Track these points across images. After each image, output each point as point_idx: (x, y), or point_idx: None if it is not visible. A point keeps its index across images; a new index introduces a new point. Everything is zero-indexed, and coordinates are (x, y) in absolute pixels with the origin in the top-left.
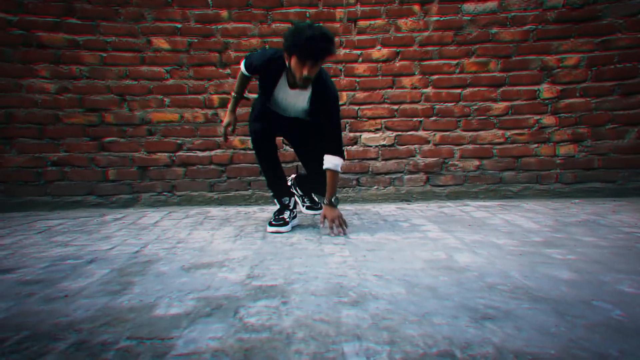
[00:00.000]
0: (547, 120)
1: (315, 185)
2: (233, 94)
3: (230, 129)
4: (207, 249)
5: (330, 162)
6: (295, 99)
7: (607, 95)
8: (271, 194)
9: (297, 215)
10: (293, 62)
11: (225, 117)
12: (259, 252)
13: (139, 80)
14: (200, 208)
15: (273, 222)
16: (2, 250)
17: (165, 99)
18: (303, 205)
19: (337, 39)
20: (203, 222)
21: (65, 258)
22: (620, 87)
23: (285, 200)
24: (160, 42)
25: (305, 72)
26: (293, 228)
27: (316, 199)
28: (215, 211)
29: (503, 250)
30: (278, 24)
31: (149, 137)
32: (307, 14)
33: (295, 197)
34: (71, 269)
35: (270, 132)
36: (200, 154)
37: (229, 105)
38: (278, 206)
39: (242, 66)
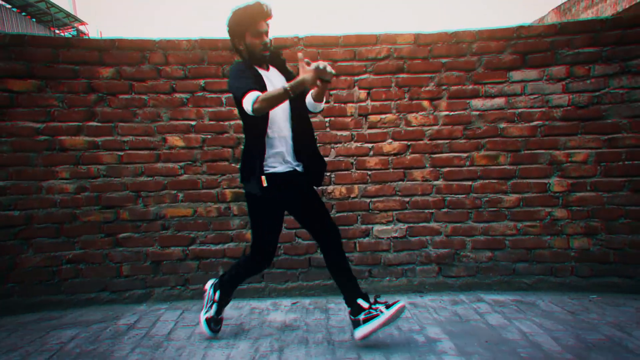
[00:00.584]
0: (559, 213)
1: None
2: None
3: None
4: None
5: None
6: (276, 82)
7: (618, 191)
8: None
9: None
10: (248, 38)
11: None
12: None
13: (154, 177)
14: None
15: None
16: None
17: (179, 194)
18: (206, 314)
19: (347, 133)
20: (219, 332)
21: None
22: (630, 183)
23: None
24: (175, 140)
25: (264, 38)
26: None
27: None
28: (228, 309)
29: None
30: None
31: (162, 231)
32: None
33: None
34: None
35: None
36: (213, 247)
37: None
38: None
39: (248, 104)
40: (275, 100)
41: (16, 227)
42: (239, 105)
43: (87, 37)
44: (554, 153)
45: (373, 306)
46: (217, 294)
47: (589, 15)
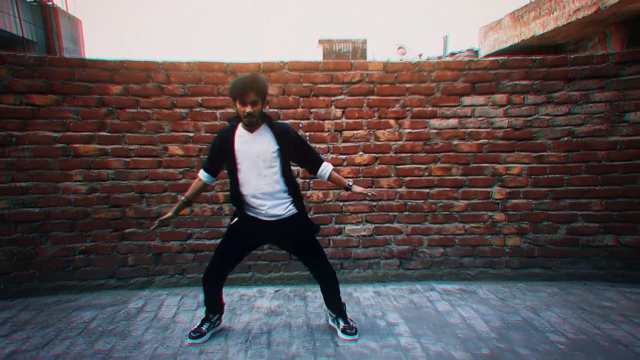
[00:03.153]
0: (498, 216)
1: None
2: (183, 198)
3: (164, 224)
4: None
5: (327, 167)
6: (259, 143)
7: (543, 199)
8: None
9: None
10: (236, 105)
11: (168, 213)
12: None
13: (156, 180)
14: None
15: (192, 335)
16: None
17: (178, 196)
18: None
19: (324, 146)
20: None
21: None
22: (552, 193)
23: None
24: (175, 149)
25: (246, 108)
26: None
27: None
28: None
29: None
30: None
31: (163, 228)
32: (300, 125)
33: None
34: None
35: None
36: (207, 242)
37: (175, 207)
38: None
39: (200, 172)
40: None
41: (36, 222)
42: None
43: (99, 59)
44: (496, 166)
45: None
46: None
47: (537, 24)
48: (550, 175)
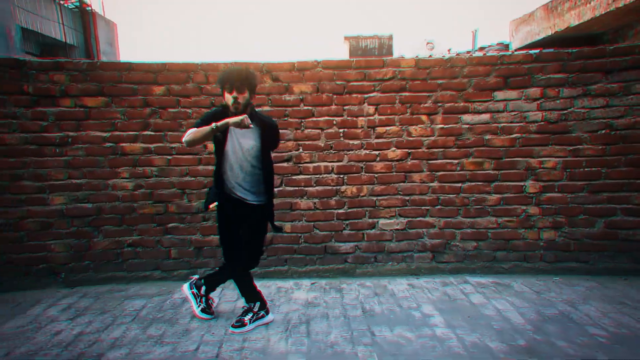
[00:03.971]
0: (532, 210)
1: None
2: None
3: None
4: (268, 351)
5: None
6: (244, 137)
7: (579, 192)
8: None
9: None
10: (224, 94)
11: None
12: (309, 359)
13: (196, 177)
14: None
15: (234, 324)
16: (119, 348)
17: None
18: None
19: (358, 142)
20: None
21: None
22: (589, 186)
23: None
24: (213, 147)
25: (232, 94)
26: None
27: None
28: (259, 287)
29: (495, 358)
30: (310, 130)
31: (203, 222)
32: (334, 122)
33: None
34: None
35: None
36: None
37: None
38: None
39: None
40: (201, 134)
41: (89, 217)
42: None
43: (144, 62)
44: (529, 160)
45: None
46: (203, 288)
47: (572, 15)
48: (586, 169)
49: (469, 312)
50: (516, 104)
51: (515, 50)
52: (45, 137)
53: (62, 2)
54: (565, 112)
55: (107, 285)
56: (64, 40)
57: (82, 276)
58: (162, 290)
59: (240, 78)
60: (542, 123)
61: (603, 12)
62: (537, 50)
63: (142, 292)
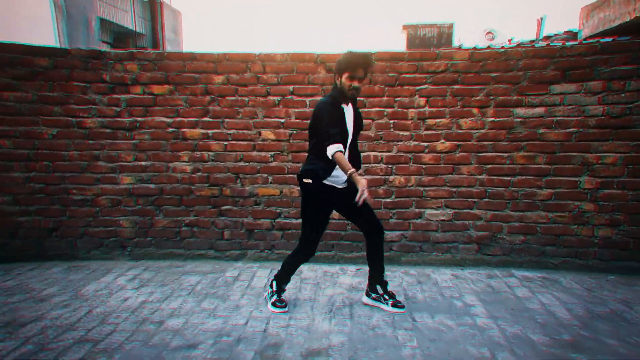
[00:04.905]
0: (587, 206)
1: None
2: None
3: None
4: (312, 329)
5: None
6: (349, 117)
7: None
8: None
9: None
10: (344, 78)
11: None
12: (351, 339)
13: (250, 162)
14: None
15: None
16: (177, 317)
17: (269, 178)
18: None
19: (407, 133)
20: (301, 288)
21: (221, 334)
22: None
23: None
24: (268, 134)
25: (355, 83)
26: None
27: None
28: (306, 271)
29: (536, 350)
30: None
31: (255, 206)
32: (385, 113)
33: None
34: (229, 348)
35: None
36: (294, 221)
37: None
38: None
39: (330, 151)
40: (342, 167)
41: (152, 197)
42: (322, 133)
43: (206, 52)
44: (586, 156)
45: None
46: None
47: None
48: None
49: (512, 305)
50: (574, 98)
51: (586, 38)
52: (119, 122)
53: None
54: (630, 106)
55: (167, 261)
56: (134, 29)
57: (145, 251)
58: (215, 268)
59: (372, 64)
60: (603, 117)
61: None
62: (604, 40)
63: (197, 269)
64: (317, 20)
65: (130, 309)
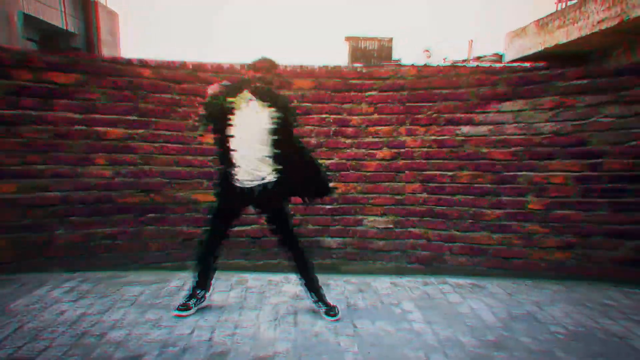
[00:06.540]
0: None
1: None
2: None
3: None
4: (258, 337)
5: None
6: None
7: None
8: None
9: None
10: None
11: None
12: (296, 346)
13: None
14: (238, 275)
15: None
16: (119, 329)
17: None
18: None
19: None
20: (246, 297)
21: (166, 344)
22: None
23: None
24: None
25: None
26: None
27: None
28: (251, 280)
29: (465, 351)
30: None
31: (192, 213)
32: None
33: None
34: (174, 358)
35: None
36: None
37: None
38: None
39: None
40: None
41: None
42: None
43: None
44: (530, 175)
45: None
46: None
47: (561, 33)
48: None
49: (445, 310)
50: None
51: (509, 62)
52: None
53: None
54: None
55: (107, 272)
56: (64, 28)
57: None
58: (159, 278)
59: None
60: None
61: (589, 32)
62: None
63: (140, 280)
64: (261, 26)
65: (67, 323)
